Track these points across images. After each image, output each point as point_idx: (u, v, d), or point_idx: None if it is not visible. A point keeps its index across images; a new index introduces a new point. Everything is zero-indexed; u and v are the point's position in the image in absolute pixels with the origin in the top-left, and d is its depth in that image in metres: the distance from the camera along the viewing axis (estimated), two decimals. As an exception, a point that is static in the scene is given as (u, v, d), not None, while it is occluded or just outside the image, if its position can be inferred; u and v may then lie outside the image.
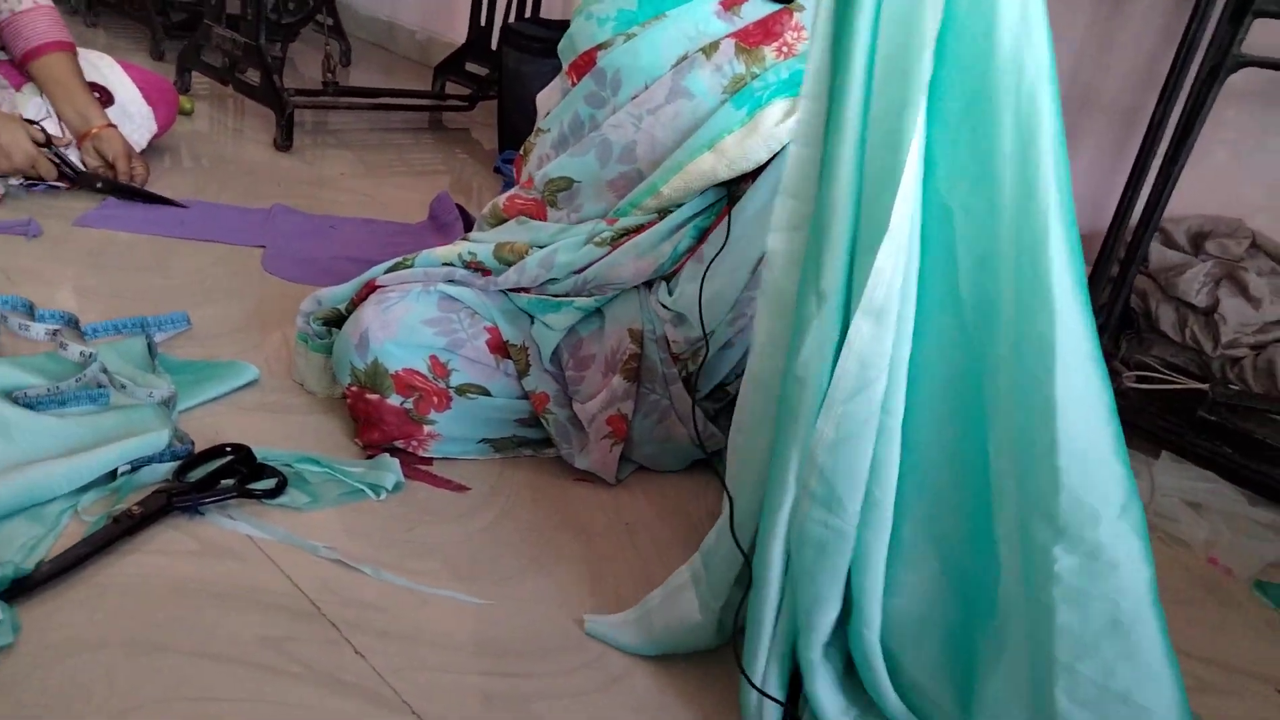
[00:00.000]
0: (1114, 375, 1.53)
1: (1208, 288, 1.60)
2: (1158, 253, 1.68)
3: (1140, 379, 1.56)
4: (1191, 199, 1.71)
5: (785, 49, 1.05)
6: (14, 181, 1.56)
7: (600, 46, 1.08)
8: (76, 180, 1.60)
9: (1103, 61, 1.83)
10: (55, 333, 1.16)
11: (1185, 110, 1.42)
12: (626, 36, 1.06)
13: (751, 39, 1.05)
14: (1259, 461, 1.38)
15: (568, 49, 1.13)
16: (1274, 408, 1.44)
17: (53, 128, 1.59)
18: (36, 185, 1.58)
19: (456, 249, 1.12)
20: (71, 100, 1.58)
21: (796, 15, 1.05)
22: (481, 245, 1.11)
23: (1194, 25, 1.36)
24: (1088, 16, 1.84)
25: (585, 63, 1.08)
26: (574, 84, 1.10)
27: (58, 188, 1.58)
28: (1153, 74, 1.77)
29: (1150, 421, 1.49)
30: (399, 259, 1.12)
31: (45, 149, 1.55)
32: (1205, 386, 1.51)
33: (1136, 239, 1.50)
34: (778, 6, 1.04)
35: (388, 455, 1.07)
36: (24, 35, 1.58)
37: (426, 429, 1.07)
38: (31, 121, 1.56)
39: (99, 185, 1.61)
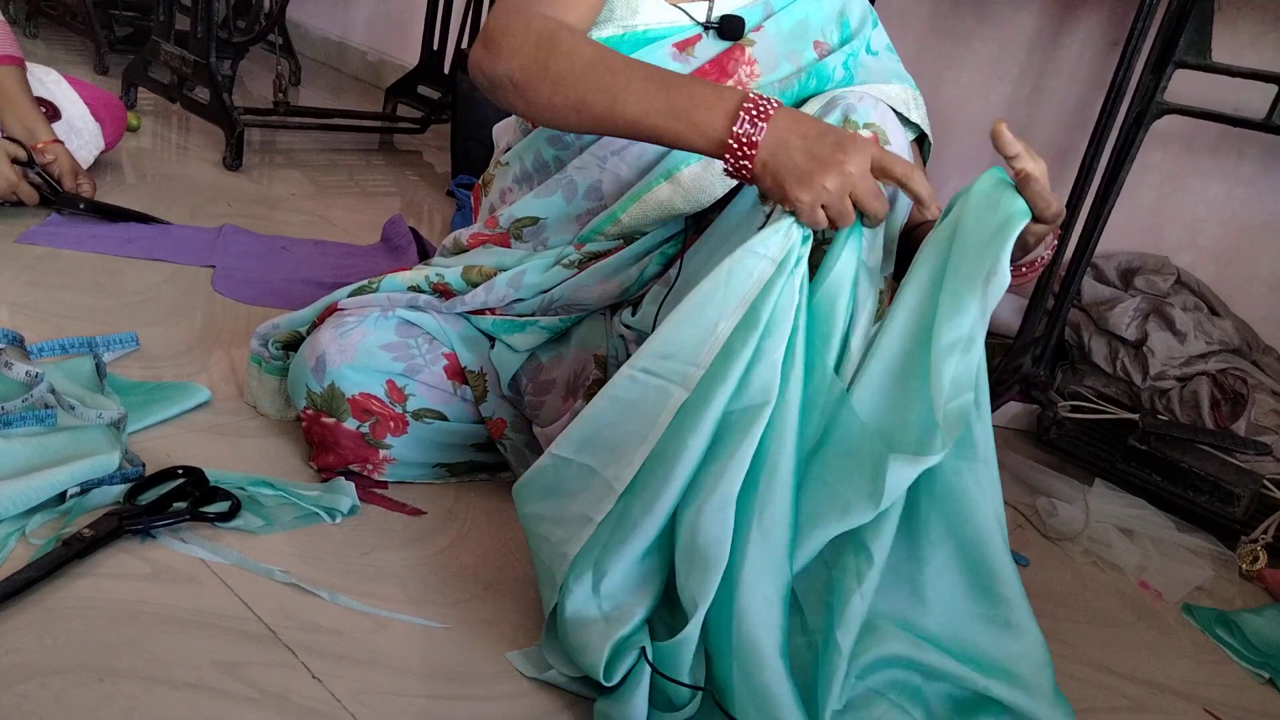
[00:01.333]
0: (1049, 404, 1.59)
1: (1137, 321, 1.67)
2: (1090, 287, 1.76)
3: (1074, 408, 1.62)
4: (1120, 236, 1.80)
5: (740, 87, 1.08)
6: None
7: None
8: (57, 201, 1.58)
9: (1036, 104, 1.92)
10: (0, 351, 1.14)
11: (1114, 153, 1.49)
12: None
13: (709, 78, 1.07)
14: (1185, 489, 1.44)
15: None
16: (1199, 438, 1.51)
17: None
18: None
19: (423, 271, 1.12)
20: (18, 114, 1.55)
21: (748, 50, 1.08)
22: (449, 269, 1.12)
23: (1120, 74, 1.44)
24: (1021, 63, 1.92)
25: None
26: (533, 126, 1.11)
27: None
28: (1083, 118, 1.86)
29: (1084, 449, 1.55)
30: (363, 283, 1.12)
31: (29, 168, 1.53)
32: (1135, 416, 1.57)
33: (1070, 274, 1.57)
34: (729, 44, 1.07)
35: (343, 479, 1.06)
36: None
37: (382, 453, 1.07)
38: (12, 139, 1.52)
39: (81, 205, 1.59)
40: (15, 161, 1.51)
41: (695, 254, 1.04)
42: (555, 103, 0.87)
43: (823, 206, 0.79)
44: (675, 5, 1.05)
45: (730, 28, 1.05)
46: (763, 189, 0.82)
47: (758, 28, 1.06)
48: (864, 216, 0.81)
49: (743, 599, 0.78)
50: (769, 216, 0.87)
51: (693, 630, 0.79)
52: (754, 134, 0.79)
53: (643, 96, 0.83)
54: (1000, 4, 1.92)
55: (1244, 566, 1.34)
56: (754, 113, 0.80)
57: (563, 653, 0.86)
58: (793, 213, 0.80)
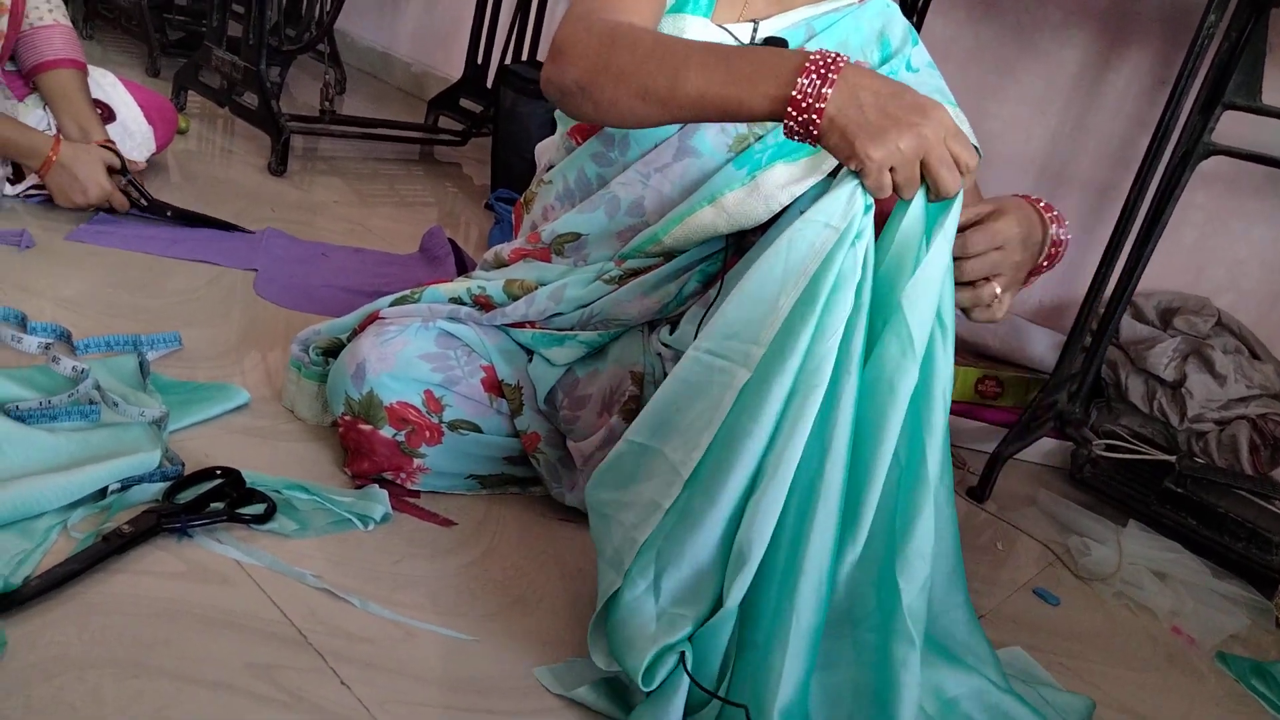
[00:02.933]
0: (1084, 442, 1.58)
1: (1175, 363, 1.65)
2: (1129, 326, 1.74)
3: (1109, 447, 1.60)
4: (1161, 275, 1.78)
5: None
6: (9, 191, 1.55)
7: None
8: (148, 209, 1.62)
9: (1078, 140, 1.91)
10: (47, 346, 1.16)
11: (1158, 192, 1.48)
12: None
13: None
14: (1221, 534, 1.42)
15: (567, 116, 1.15)
16: (1236, 483, 1.49)
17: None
18: (33, 196, 1.58)
19: (465, 283, 1.13)
20: (75, 114, 1.59)
21: None
22: (491, 281, 1.13)
23: (1168, 113, 1.43)
24: (1065, 98, 1.91)
25: (592, 127, 1.11)
26: (578, 144, 1.13)
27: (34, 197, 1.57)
28: (1125, 156, 1.84)
29: (1118, 489, 1.53)
30: (405, 292, 1.13)
31: (121, 176, 1.58)
32: (1172, 459, 1.55)
33: (1110, 311, 1.55)
34: None
35: (376, 486, 1.07)
36: (39, 49, 1.60)
37: (416, 462, 1.08)
38: (108, 146, 1.57)
39: (169, 213, 1.64)
40: (109, 169, 1.56)
41: (736, 275, 1.04)
42: (619, 97, 0.85)
43: (891, 170, 0.74)
44: (721, 26, 1.06)
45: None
46: (828, 147, 0.77)
47: (801, 47, 1.06)
48: (929, 190, 0.77)
49: (801, 586, 0.77)
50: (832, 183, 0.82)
51: (722, 623, 0.79)
52: (821, 87, 0.75)
53: (703, 71, 0.81)
54: (1046, 38, 1.92)
55: (1278, 616, 1.32)
56: (821, 66, 0.75)
57: (606, 645, 0.85)
58: (858, 174, 0.76)
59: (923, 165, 0.75)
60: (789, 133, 0.78)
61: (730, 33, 1.05)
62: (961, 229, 0.82)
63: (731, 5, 1.07)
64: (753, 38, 1.06)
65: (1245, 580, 1.39)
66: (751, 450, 0.77)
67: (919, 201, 0.77)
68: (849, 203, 0.76)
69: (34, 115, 1.58)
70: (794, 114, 0.77)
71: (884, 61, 1.08)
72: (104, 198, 1.55)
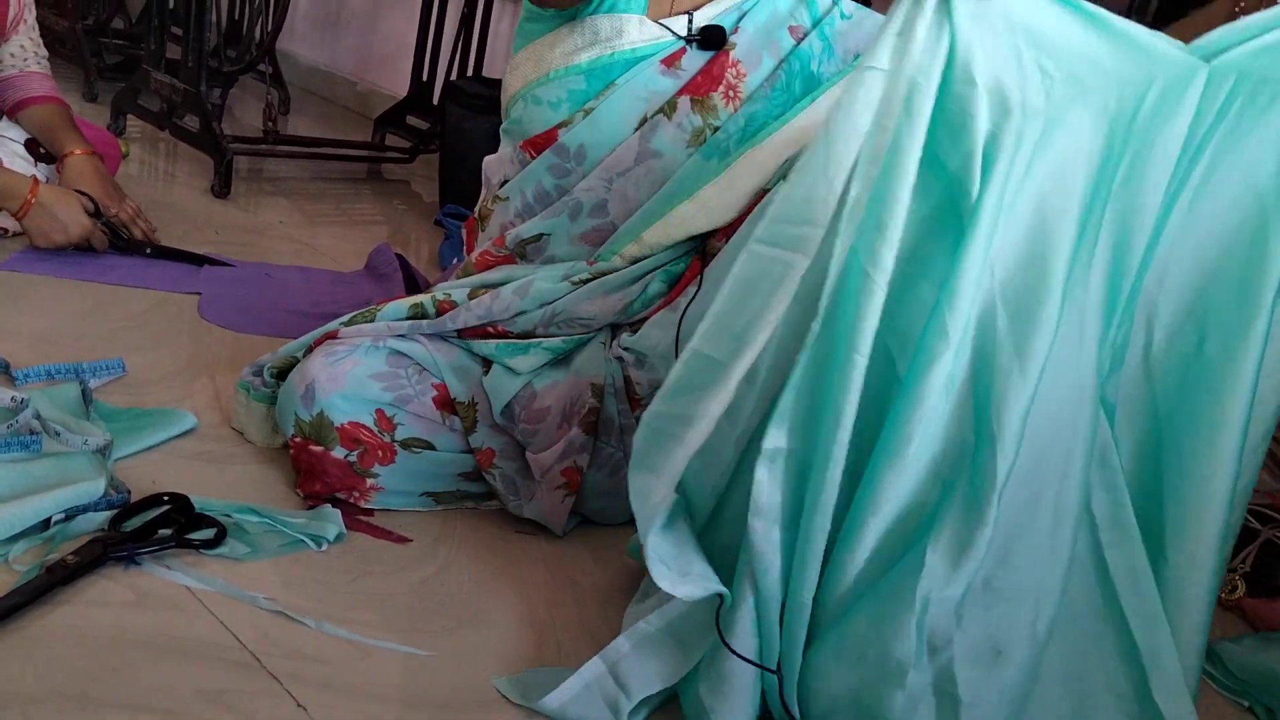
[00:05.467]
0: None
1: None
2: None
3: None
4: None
5: (731, 92, 1.12)
6: None
7: (561, 125, 1.12)
8: (125, 248, 1.62)
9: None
10: (-16, 377, 1.14)
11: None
12: (585, 112, 1.11)
13: (701, 89, 1.11)
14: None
15: (516, 131, 1.17)
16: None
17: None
18: None
19: (430, 293, 1.14)
20: (64, 140, 1.63)
21: (731, 54, 1.12)
22: (457, 289, 1.13)
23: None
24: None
25: (545, 140, 1.13)
26: (532, 157, 1.14)
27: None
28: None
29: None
30: (361, 311, 1.13)
31: (95, 219, 1.58)
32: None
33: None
34: (712, 53, 1.11)
35: (329, 506, 1.06)
36: (20, 88, 1.66)
37: (369, 482, 1.07)
38: (82, 193, 1.58)
39: (148, 250, 1.64)
40: (85, 212, 1.56)
41: (715, 267, 1.06)
42: None
43: None
44: (657, 22, 1.10)
45: (712, 38, 1.10)
46: None
47: (735, 30, 1.10)
48: None
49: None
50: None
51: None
52: None
53: None
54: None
55: (1223, 596, 1.35)
56: None
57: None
58: None
59: None
60: None
61: (668, 28, 1.09)
62: None
63: (661, 1, 1.11)
64: (689, 29, 1.10)
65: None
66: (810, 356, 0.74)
67: None
68: (901, 37, 0.64)
69: (12, 130, 1.64)
70: None
71: (816, 22, 1.13)
72: (85, 236, 1.55)
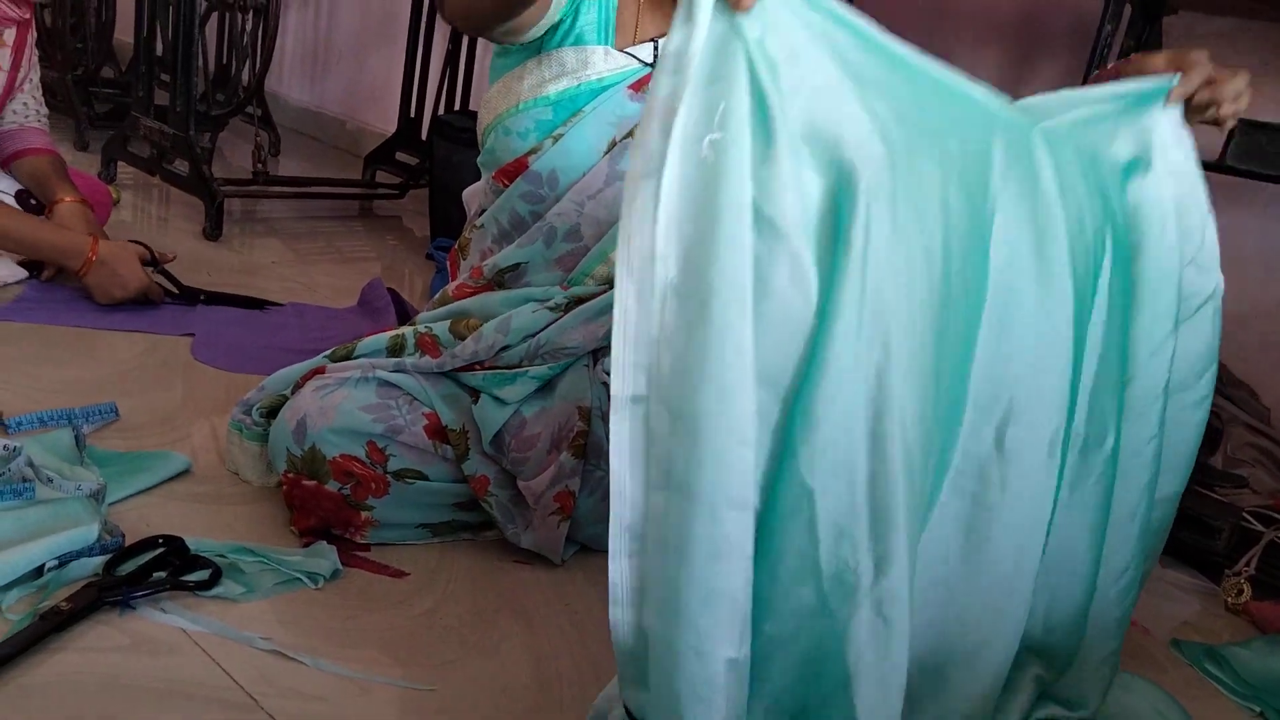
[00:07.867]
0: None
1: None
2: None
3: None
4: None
5: None
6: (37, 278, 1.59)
7: (530, 152, 1.14)
8: (180, 297, 1.65)
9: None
10: (-23, 426, 1.13)
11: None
12: (554, 138, 1.12)
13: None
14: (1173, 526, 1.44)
15: (490, 161, 1.19)
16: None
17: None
18: None
19: (412, 326, 1.15)
20: (56, 188, 1.66)
21: None
22: (437, 322, 1.14)
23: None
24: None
25: (516, 168, 1.15)
26: (505, 186, 1.15)
27: None
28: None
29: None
30: (343, 346, 1.13)
31: (151, 268, 1.61)
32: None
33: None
34: None
35: (324, 543, 1.06)
36: (17, 139, 1.71)
37: (364, 515, 1.06)
38: (138, 243, 1.61)
39: (202, 298, 1.67)
40: (142, 261, 1.60)
41: None
42: None
43: None
44: (623, 51, 1.12)
45: None
46: None
47: None
48: None
49: None
50: None
51: None
52: None
53: None
54: (961, 60, 1.98)
55: (1229, 600, 1.35)
56: None
57: None
58: None
59: None
60: None
61: (634, 55, 1.11)
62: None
63: (624, 30, 1.13)
64: (655, 56, 1.11)
65: (1191, 568, 1.42)
66: None
67: None
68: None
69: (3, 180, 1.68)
70: None
71: None
72: (142, 290, 1.58)
